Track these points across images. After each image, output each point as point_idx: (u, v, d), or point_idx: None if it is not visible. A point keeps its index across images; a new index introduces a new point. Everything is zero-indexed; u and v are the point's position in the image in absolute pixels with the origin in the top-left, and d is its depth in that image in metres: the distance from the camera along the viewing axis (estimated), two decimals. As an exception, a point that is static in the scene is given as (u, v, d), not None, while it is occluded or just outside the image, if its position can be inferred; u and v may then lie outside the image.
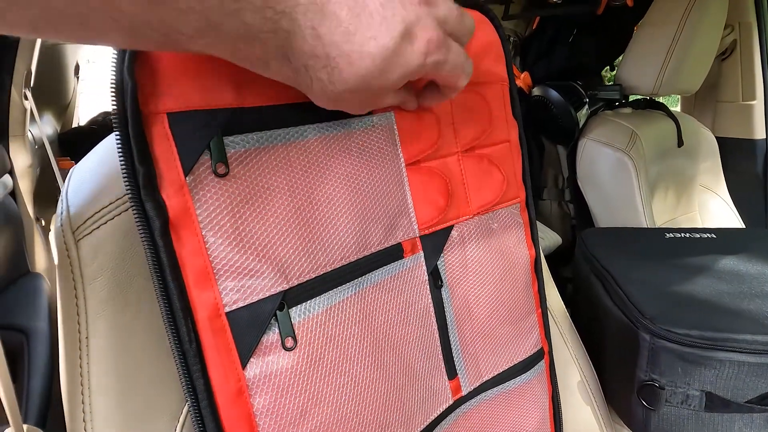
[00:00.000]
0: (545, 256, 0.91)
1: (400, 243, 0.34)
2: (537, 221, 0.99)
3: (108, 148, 0.31)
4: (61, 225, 0.28)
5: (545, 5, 1.03)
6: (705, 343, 0.44)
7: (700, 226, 1.09)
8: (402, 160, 0.34)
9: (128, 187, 0.25)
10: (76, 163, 0.33)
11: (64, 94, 1.49)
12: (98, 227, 0.28)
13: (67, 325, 0.28)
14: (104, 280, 0.28)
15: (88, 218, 0.28)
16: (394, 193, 0.34)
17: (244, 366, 0.26)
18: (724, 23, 0.97)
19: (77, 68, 1.57)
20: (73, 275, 0.27)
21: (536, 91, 0.98)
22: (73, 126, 1.62)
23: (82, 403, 0.27)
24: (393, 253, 0.34)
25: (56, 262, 0.29)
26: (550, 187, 1.10)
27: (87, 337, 0.27)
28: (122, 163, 0.24)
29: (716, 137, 1.14)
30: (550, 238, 0.89)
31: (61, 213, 0.29)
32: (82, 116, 1.74)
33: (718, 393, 0.44)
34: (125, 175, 0.24)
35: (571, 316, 0.59)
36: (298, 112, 0.29)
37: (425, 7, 0.24)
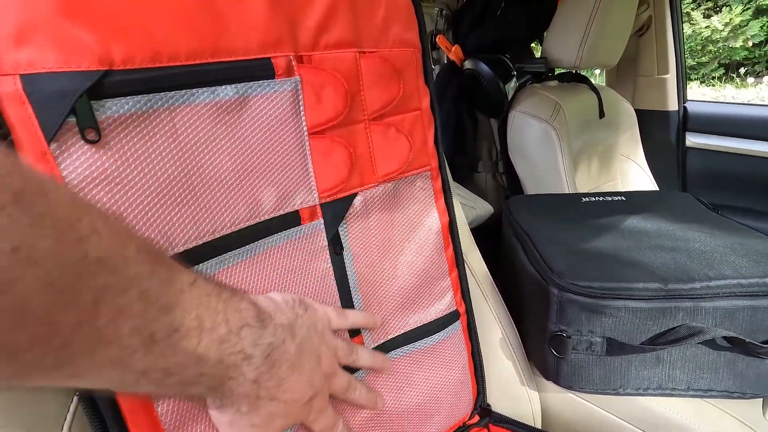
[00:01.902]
0: (479, 226, 0.95)
1: (297, 210, 0.34)
2: (468, 191, 1.02)
3: None
4: None
5: (474, -22, 1.04)
6: (604, 293, 0.48)
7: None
8: (305, 128, 0.34)
9: None
10: None
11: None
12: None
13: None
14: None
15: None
16: (293, 161, 0.34)
17: None
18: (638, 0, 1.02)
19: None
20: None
21: (467, 64, 1.00)
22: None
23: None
24: (289, 220, 0.34)
25: None
26: (484, 159, 1.13)
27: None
28: None
29: (636, 109, 1.22)
30: (482, 208, 0.92)
31: None
32: None
33: (617, 338, 0.49)
34: None
35: (501, 281, 0.62)
36: (186, 74, 0.28)
37: (327, 380, 0.33)
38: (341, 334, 0.37)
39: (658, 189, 1.22)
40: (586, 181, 1.08)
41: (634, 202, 0.71)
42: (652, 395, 0.52)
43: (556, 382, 0.54)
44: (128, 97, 0.26)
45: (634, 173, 1.20)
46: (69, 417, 0.28)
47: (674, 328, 0.47)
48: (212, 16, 0.29)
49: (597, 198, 0.73)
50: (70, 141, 0.24)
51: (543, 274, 0.52)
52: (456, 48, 1.00)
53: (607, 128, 1.12)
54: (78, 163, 0.25)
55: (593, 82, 1.10)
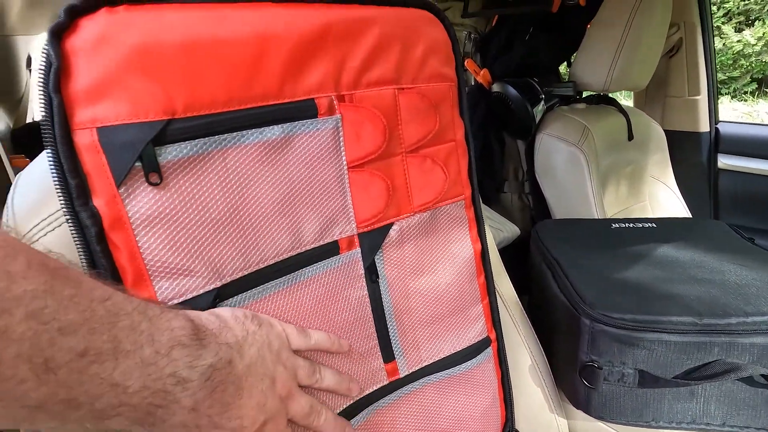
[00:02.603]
0: (504, 247, 0.96)
1: (336, 240, 0.36)
2: (496, 213, 1.03)
3: (42, 158, 0.32)
4: (6, 231, 0.28)
5: (502, 3, 1.06)
6: (637, 325, 0.48)
7: (650, 215, 1.16)
8: (344, 163, 0.36)
9: (62, 198, 0.26)
10: (31, 160, 0.33)
11: (17, 87, 1.43)
12: (45, 235, 0.29)
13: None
14: (52, 286, 0.28)
15: (34, 226, 0.29)
16: (333, 194, 0.35)
17: None
18: (668, 23, 1.02)
19: (29, 60, 1.50)
20: (20, 282, 0.28)
21: (495, 88, 1.02)
22: (27, 121, 1.55)
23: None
24: (328, 250, 0.36)
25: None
26: (510, 180, 1.14)
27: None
28: (54, 175, 0.25)
29: (665, 130, 1.20)
30: (509, 230, 0.92)
31: (7, 220, 0.29)
32: (36, 110, 1.68)
33: (650, 370, 0.48)
34: (58, 186, 0.25)
35: (528, 303, 0.62)
36: (238, 118, 0.30)
37: (283, 403, 0.29)
38: (307, 355, 0.35)
39: (688, 210, 1.19)
40: (614, 203, 1.07)
41: (666, 229, 0.71)
42: (686, 429, 0.51)
43: (587, 411, 0.53)
44: (187, 142, 0.28)
45: (664, 195, 1.18)
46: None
47: (709, 363, 0.47)
48: (264, 65, 0.31)
49: (627, 224, 0.73)
50: (135, 184, 0.27)
51: (574, 304, 0.52)
52: (484, 71, 1.02)
53: (636, 150, 1.11)
54: (142, 203, 0.27)
55: (619, 102, 1.10)
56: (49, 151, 0.25)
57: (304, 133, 0.33)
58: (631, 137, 1.06)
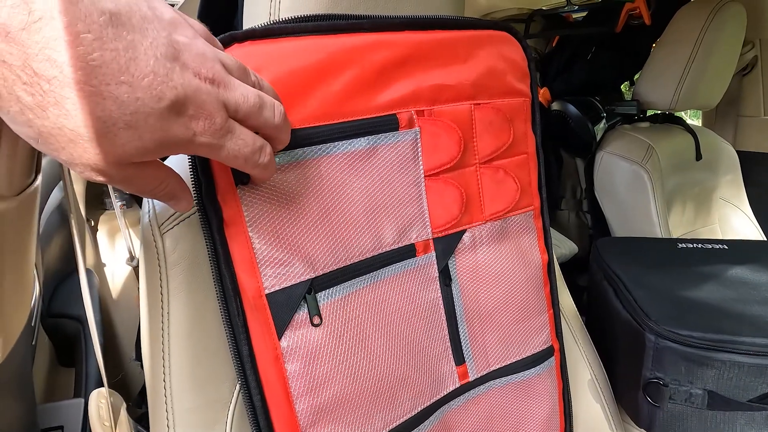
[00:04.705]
0: (561, 264, 0.95)
1: (413, 243, 0.39)
2: (554, 230, 1.03)
3: (181, 158, 0.38)
4: (149, 221, 0.34)
5: (564, 25, 1.07)
6: (707, 344, 0.47)
7: (720, 238, 1.10)
8: (422, 171, 0.39)
9: (195, 194, 0.31)
10: None
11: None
12: (178, 224, 0.34)
13: (151, 301, 0.34)
14: (182, 267, 0.34)
15: (170, 216, 0.34)
16: (412, 200, 0.38)
17: (279, 337, 0.32)
18: (741, 41, 0.99)
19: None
20: (158, 261, 0.34)
21: (555, 106, 1.02)
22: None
23: (163, 364, 0.33)
24: (406, 252, 0.38)
25: (142, 251, 0.35)
26: (568, 197, 1.13)
27: (168, 312, 0.33)
28: (191, 174, 0.31)
29: (738, 151, 1.15)
30: (566, 247, 0.92)
31: (148, 211, 0.35)
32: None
33: (720, 392, 0.47)
34: (193, 184, 0.31)
35: (586, 321, 0.62)
36: (330, 131, 0.34)
37: (210, 85, 0.22)
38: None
39: (764, 236, 1.12)
40: (680, 224, 1.03)
41: (738, 251, 0.68)
42: (761, 459, 0.49)
43: (649, 430, 0.53)
44: (284, 152, 0.32)
45: (737, 219, 1.12)
46: (234, 400, 0.35)
47: (788, 388, 0.45)
48: (355, 85, 0.35)
49: (695, 245, 0.71)
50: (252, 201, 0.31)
51: (638, 319, 0.52)
52: (544, 90, 1.03)
53: (705, 170, 1.07)
54: (254, 202, 0.31)
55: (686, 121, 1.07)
56: (189, 158, 0.31)
57: (386, 144, 0.37)
58: (699, 157, 1.02)
